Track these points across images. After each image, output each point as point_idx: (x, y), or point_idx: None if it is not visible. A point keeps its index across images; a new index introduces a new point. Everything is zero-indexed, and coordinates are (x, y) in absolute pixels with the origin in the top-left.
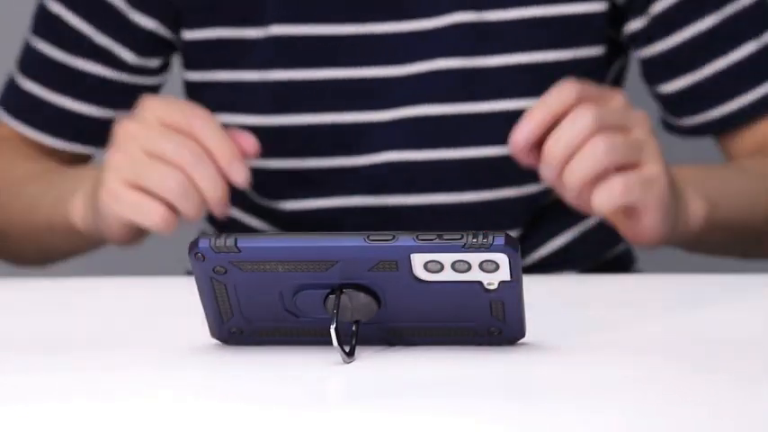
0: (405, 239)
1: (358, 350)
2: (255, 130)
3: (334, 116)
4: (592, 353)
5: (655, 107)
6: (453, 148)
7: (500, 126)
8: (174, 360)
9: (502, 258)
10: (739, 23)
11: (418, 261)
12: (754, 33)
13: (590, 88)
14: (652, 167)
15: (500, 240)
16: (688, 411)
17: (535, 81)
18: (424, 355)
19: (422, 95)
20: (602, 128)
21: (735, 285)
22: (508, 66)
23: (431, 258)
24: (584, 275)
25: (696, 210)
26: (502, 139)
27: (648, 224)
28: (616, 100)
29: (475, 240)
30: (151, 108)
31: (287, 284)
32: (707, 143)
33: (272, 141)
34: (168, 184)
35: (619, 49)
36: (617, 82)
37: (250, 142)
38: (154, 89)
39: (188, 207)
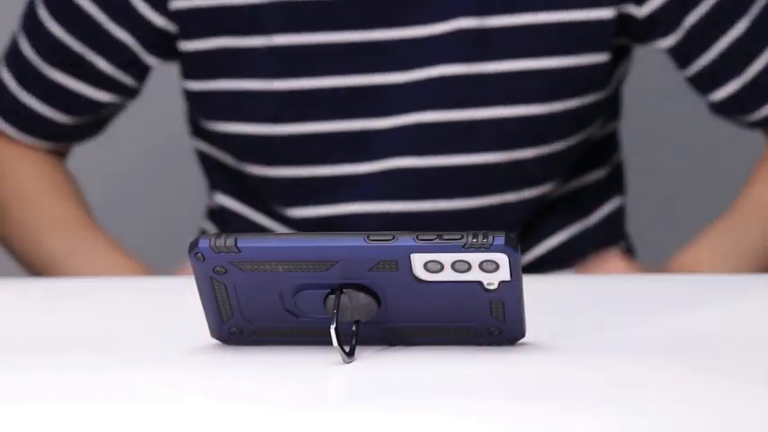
0: (405, 239)
1: (358, 350)
2: (260, 138)
3: (339, 124)
4: (592, 353)
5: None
6: (457, 155)
7: (502, 132)
8: (174, 360)
9: (502, 258)
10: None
11: (418, 261)
12: None
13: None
14: None
15: (500, 240)
16: (687, 411)
17: (538, 87)
18: (424, 355)
19: (426, 102)
20: None
21: (735, 285)
22: (511, 72)
23: (431, 258)
24: (585, 275)
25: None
26: (504, 145)
27: None
28: None
29: (475, 240)
30: None
31: (287, 284)
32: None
33: (277, 150)
34: None
35: (623, 54)
36: (618, 87)
37: None
38: (118, 107)
39: None
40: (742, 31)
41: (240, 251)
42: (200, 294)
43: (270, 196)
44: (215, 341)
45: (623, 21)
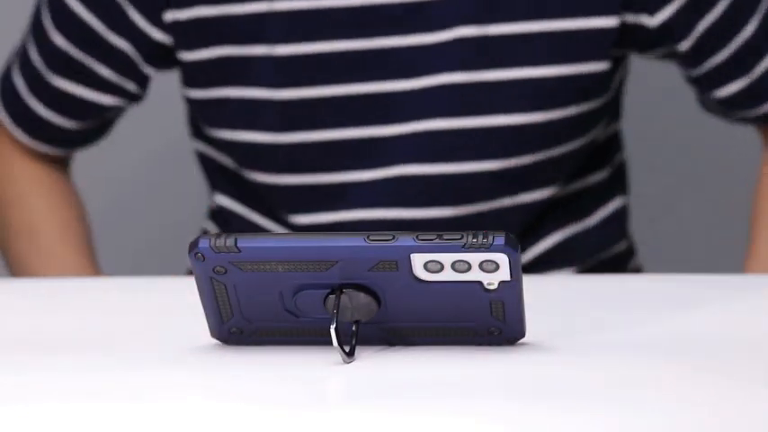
0: (405, 239)
1: (358, 350)
2: (264, 147)
3: (344, 132)
4: (592, 353)
5: (656, 106)
6: (461, 162)
7: (505, 139)
8: (174, 360)
9: (502, 258)
10: None
11: (418, 261)
12: None
13: None
14: None
15: (500, 240)
16: (688, 411)
17: (540, 95)
18: (424, 355)
19: (429, 110)
20: None
21: (735, 285)
22: (512, 80)
23: (431, 258)
24: (584, 275)
25: None
26: (507, 152)
27: None
28: None
29: (475, 240)
30: None
31: (287, 284)
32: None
33: (281, 158)
34: None
35: (621, 60)
36: (618, 91)
37: None
38: (122, 110)
39: None
40: (751, 31)
41: (240, 251)
42: (200, 294)
43: (273, 202)
44: (215, 341)
45: (631, 30)
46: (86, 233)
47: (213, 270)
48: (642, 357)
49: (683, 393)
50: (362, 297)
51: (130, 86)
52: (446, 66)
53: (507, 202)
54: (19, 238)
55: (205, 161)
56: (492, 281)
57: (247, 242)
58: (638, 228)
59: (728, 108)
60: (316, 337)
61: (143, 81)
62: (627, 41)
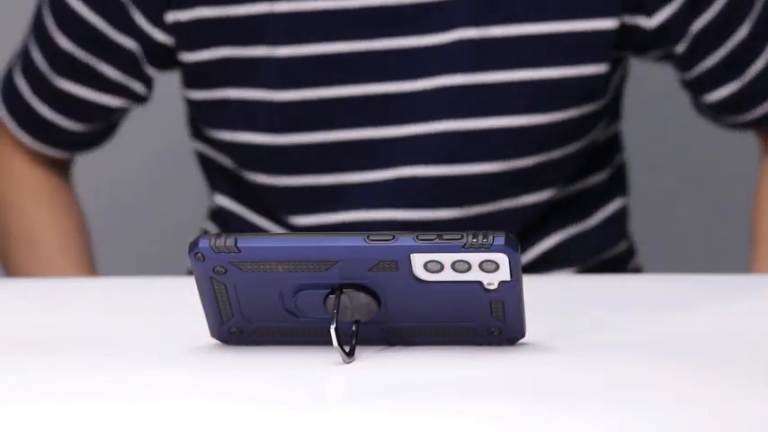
0: (405, 239)
1: (358, 350)
2: (265, 148)
3: (346, 133)
4: (592, 353)
5: (656, 107)
6: (462, 164)
7: (506, 141)
8: (174, 360)
9: (502, 258)
10: (766, 22)
11: (418, 261)
12: None
13: None
14: None
15: (500, 240)
16: (687, 411)
17: (540, 97)
18: (424, 355)
19: (431, 111)
20: None
21: (735, 285)
22: (512, 82)
23: (431, 258)
24: (585, 275)
25: None
26: (503, 154)
27: None
28: None
29: (475, 240)
30: None
31: (287, 284)
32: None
33: (282, 159)
34: None
35: (620, 61)
36: (618, 92)
37: None
38: (126, 111)
39: None
40: (744, 34)
41: (240, 251)
42: (200, 294)
43: (273, 203)
44: (215, 341)
45: (628, 32)
46: (87, 243)
47: (213, 270)
48: (642, 357)
49: (683, 393)
50: (362, 297)
51: (137, 87)
52: (447, 68)
53: (508, 203)
54: (19, 248)
55: (204, 161)
56: (492, 281)
57: (247, 242)
58: (637, 228)
59: (721, 113)
60: (316, 337)
61: (148, 81)
62: (624, 43)
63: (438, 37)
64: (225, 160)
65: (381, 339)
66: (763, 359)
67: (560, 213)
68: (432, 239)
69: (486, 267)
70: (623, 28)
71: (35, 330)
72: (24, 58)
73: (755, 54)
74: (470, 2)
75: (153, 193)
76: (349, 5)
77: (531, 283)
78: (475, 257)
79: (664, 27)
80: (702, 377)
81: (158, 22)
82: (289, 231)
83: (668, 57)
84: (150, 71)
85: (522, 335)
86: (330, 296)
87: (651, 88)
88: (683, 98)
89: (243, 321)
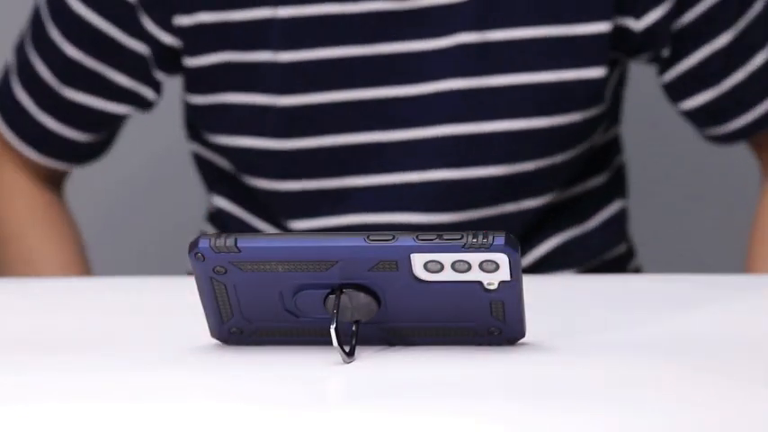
0: (405, 239)
1: (358, 350)
2: (268, 153)
3: (348, 137)
4: (592, 353)
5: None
6: (463, 168)
7: (504, 145)
8: (174, 360)
9: (502, 258)
10: (753, 35)
11: (418, 261)
12: (766, 42)
13: None
14: None
15: (500, 240)
16: (687, 411)
17: (540, 101)
18: (424, 355)
19: (432, 116)
20: None
21: (735, 285)
22: (512, 86)
23: (431, 258)
24: (584, 275)
25: None
26: (505, 158)
27: None
28: None
29: (475, 240)
30: None
31: (287, 284)
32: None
33: (283, 164)
34: None
35: (618, 65)
36: (617, 94)
37: None
38: (125, 120)
39: None
40: (725, 42)
41: (240, 251)
42: (200, 294)
43: (272, 207)
44: (215, 341)
45: (619, 34)
46: (84, 258)
47: (213, 270)
48: (642, 357)
49: (683, 393)
50: (362, 297)
51: (146, 92)
52: (448, 72)
53: (510, 207)
54: (16, 266)
55: (202, 163)
56: (492, 281)
57: (247, 242)
58: (637, 230)
59: (698, 123)
60: (316, 337)
61: (157, 86)
62: (616, 45)
63: (439, 41)
64: (222, 162)
65: (381, 339)
66: (763, 359)
67: (560, 216)
68: (432, 239)
69: (486, 267)
70: (615, 30)
71: (35, 330)
72: (24, 72)
73: (735, 65)
74: (471, 6)
75: (153, 194)
76: (351, 10)
77: (531, 283)
78: (475, 257)
79: (651, 30)
80: (702, 377)
81: (167, 26)
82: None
83: (657, 60)
84: (159, 76)
85: (522, 335)
86: (330, 296)
87: (650, 91)
88: None
89: (243, 321)
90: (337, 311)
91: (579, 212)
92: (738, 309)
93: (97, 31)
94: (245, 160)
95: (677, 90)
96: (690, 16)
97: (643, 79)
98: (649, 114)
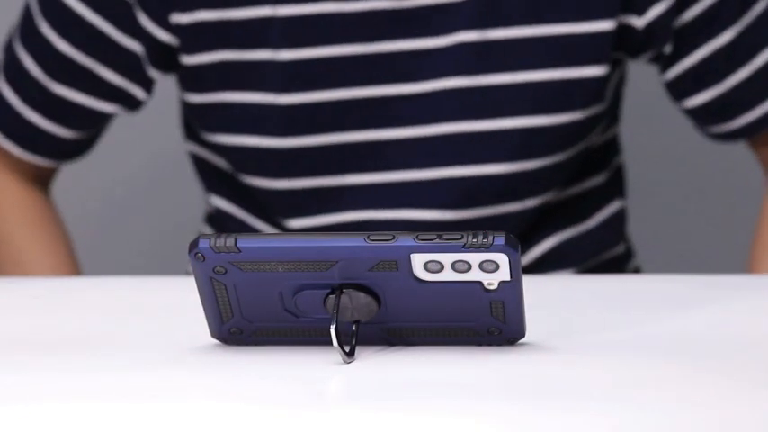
0: (405, 239)
1: (358, 350)
2: (267, 151)
3: (349, 136)
4: (592, 353)
5: (654, 108)
6: (464, 166)
7: (505, 144)
8: (174, 360)
9: (502, 258)
10: (756, 33)
11: (418, 261)
12: None
13: None
14: None
15: (500, 240)
16: (687, 411)
17: (541, 100)
18: (424, 355)
19: (433, 114)
20: None
21: (735, 285)
22: (514, 84)
23: (431, 258)
24: (584, 275)
25: None
26: (507, 156)
27: None
28: None
29: (475, 240)
30: None
31: (287, 284)
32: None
33: (282, 163)
34: None
35: (618, 64)
36: (617, 94)
37: None
38: (111, 119)
39: None
40: (727, 40)
41: (240, 251)
42: (200, 294)
43: (271, 207)
44: (215, 341)
45: (622, 32)
46: (72, 257)
47: (213, 270)
48: (642, 357)
49: (683, 393)
50: (362, 297)
51: (136, 91)
52: (449, 70)
53: (511, 206)
54: (6, 268)
55: (199, 163)
56: (492, 281)
57: (247, 242)
58: (636, 230)
59: (700, 121)
60: (316, 337)
61: (149, 85)
62: (618, 45)
63: (440, 40)
64: (221, 162)
65: (381, 339)
66: (763, 359)
67: (559, 215)
68: (432, 239)
69: (486, 267)
70: (618, 28)
71: (35, 330)
72: (10, 68)
73: (738, 63)
74: (472, 5)
75: (153, 194)
76: (352, 9)
77: (531, 283)
78: (475, 257)
79: (653, 26)
80: (702, 377)
81: (164, 23)
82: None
83: (658, 59)
84: (153, 73)
85: (522, 335)
86: (330, 296)
87: (648, 90)
88: None
89: (243, 321)
90: (337, 311)
91: (578, 212)
92: (738, 309)
93: (91, 27)
94: (244, 159)
95: (679, 88)
96: (692, 13)
97: (642, 79)
98: (648, 115)
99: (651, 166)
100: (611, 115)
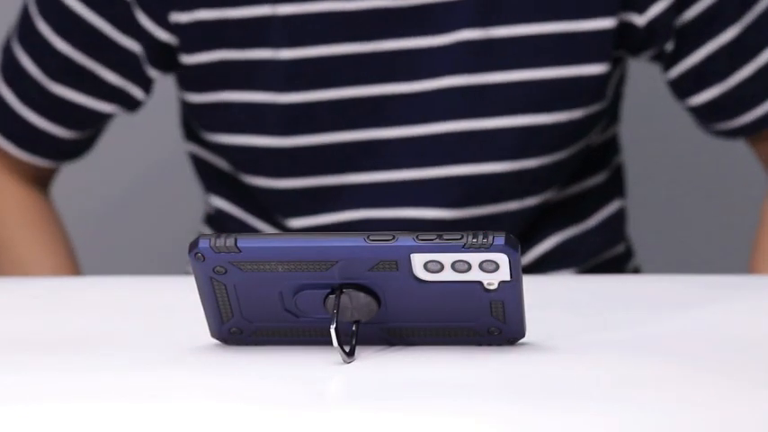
0: (405, 239)
1: (358, 350)
2: (268, 150)
3: (350, 134)
4: (592, 353)
5: (654, 108)
6: (464, 165)
7: (506, 142)
8: (174, 360)
9: (502, 258)
10: (758, 31)
11: (418, 261)
12: None
13: None
14: None
15: (500, 240)
16: (688, 411)
17: (542, 97)
18: (423, 355)
19: (434, 112)
20: None
21: (735, 285)
22: (514, 82)
23: (431, 258)
24: (584, 275)
25: None
26: (508, 155)
27: None
28: None
29: (475, 240)
30: None
31: (287, 284)
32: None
33: (282, 162)
34: None
35: (619, 62)
36: (617, 92)
37: None
38: (110, 120)
39: None
40: (730, 38)
41: (240, 251)
42: (200, 294)
43: (271, 206)
44: (215, 341)
45: (623, 30)
46: (76, 268)
47: (213, 270)
48: (642, 357)
49: (683, 393)
50: (362, 297)
51: (135, 91)
52: (450, 68)
53: (511, 205)
54: (3, 268)
55: (199, 163)
56: (492, 281)
57: (247, 242)
58: (636, 230)
59: (704, 119)
60: (316, 337)
61: (147, 85)
62: (620, 43)
63: (440, 38)
64: (220, 162)
65: (381, 339)
66: (763, 359)
67: (559, 215)
68: (432, 239)
69: (486, 267)
70: (619, 26)
71: (35, 330)
72: (9, 69)
73: (742, 60)
74: (472, 3)
75: (153, 194)
76: (352, 7)
77: (531, 283)
78: (475, 257)
79: (654, 24)
80: (702, 377)
81: (163, 23)
82: (288, 231)
83: (660, 57)
84: (152, 73)
85: (522, 335)
86: (330, 296)
87: (648, 90)
88: None
89: (243, 321)
90: (337, 311)
91: (578, 212)
92: (738, 309)
93: (89, 26)
94: (244, 159)
95: (683, 87)
96: (693, 11)
97: (642, 79)
98: (648, 114)
99: (651, 166)
100: (612, 114)
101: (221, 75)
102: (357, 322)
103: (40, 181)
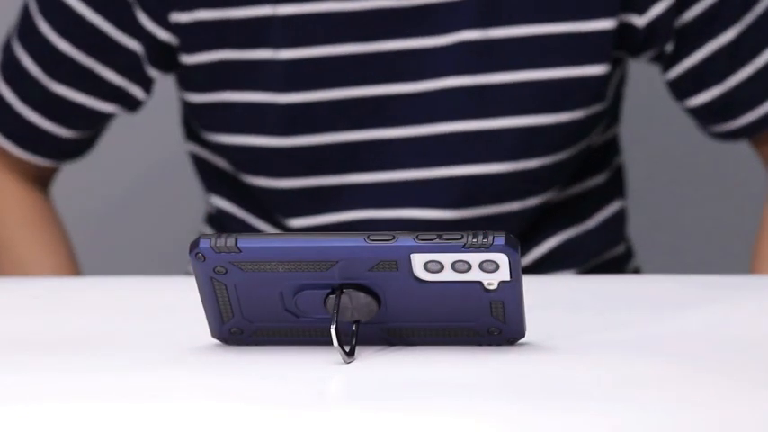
0: (405, 239)
1: (358, 350)
2: (268, 150)
3: (349, 135)
4: (592, 353)
5: (654, 109)
6: (464, 165)
7: (508, 142)
8: (174, 360)
9: (502, 258)
10: (758, 32)
11: (418, 261)
12: None
13: None
14: None
15: (500, 240)
16: (688, 411)
17: (542, 98)
18: (423, 355)
19: (434, 113)
20: None
21: (735, 285)
22: (514, 83)
23: (431, 258)
24: (584, 275)
25: None
26: (510, 155)
27: None
28: None
29: (475, 240)
30: None
31: (287, 284)
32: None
33: (283, 162)
34: None
35: (619, 63)
36: (618, 93)
37: None
38: (111, 119)
39: None
40: (729, 39)
41: (240, 251)
42: (201, 294)
43: (272, 206)
44: (215, 341)
45: (623, 31)
46: (76, 268)
47: (213, 270)
48: (642, 357)
49: (684, 393)
50: (362, 297)
51: (136, 91)
52: (450, 69)
53: (512, 206)
54: (4, 268)
55: (199, 163)
56: (492, 281)
57: (248, 242)
58: (636, 230)
59: (703, 120)
60: (316, 337)
61: (148, 85)
62: (620, 44)
63: (441, 39)
64: (221, 162)
65: (381, 339)
66: (763, 359)
67: (559, 215)
68: (432, 239)
69: (486, 267)
70: (619, 27)
71: (35, 330)
72: (9, 68)
73: (741, 61)
74: (473, 4)
75: (153, 194)
76: (353, 8)
77: (531, 283)
78: (475, 257)
79: (654, 25)
80: (702, 377)
81: (163, 22)
82: (288, 231)
83: (660, 58)
84: (152, 73)
85: (522, 335)
86: (330, 296)
87: (648, 91)
88: None
89: (243, 321)
90: (337, 311)
91: (578, 212)
92: (738, 309)
93: (90, 26)
94: (244, 159)
95: (682, 88)
96: (693, 12)
97: (642, 79)
98: (648, 115)
99: (651, 166)
100: (612, 115)
101: (222, 75)
102: (357, 322)
103: (41, 181)
